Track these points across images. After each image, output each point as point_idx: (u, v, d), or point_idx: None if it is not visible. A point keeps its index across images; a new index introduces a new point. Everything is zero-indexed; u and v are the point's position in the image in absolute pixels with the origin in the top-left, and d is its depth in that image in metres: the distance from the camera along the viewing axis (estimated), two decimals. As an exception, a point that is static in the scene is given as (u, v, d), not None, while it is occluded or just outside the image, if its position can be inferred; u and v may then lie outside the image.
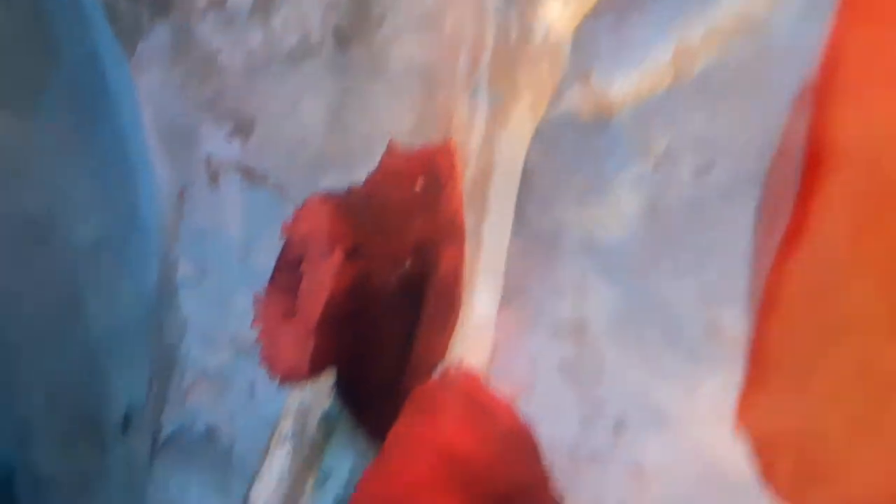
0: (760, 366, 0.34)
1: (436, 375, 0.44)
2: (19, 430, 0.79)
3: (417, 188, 0.47)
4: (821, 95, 0.30)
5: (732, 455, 0.36)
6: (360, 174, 0.47)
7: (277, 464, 0.54)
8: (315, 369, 0.46)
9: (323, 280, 0.44)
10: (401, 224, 0.46)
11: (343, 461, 0.52)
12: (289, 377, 0.45)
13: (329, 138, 0.52)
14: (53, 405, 0.75)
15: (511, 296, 0.45)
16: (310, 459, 0.53)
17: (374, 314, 0.45)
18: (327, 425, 0.52)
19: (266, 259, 0.46)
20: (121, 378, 0.70)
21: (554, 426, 0.42)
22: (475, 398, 0.43)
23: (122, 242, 0.68)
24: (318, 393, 0.52)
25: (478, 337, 0.44)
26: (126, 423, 0.70)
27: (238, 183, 0.57)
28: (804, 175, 0.30)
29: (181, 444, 0.63)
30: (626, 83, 0.41)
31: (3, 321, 0.74)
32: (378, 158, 0.47)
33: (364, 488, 0.44)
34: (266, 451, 0.54)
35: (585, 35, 0.42)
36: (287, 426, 0.54)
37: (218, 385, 0.60)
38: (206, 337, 0.60)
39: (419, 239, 0.46)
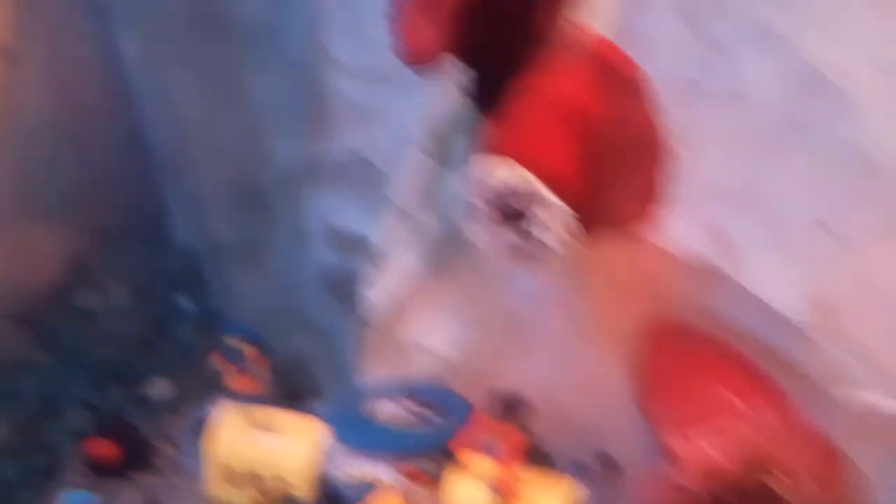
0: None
1: (559, 40, 0.48)
2: (197, 208, 0.87)
3: None
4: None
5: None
6: None
7: (411, 165, 0.59)
8: (440, 50, 0.50)
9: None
10: None
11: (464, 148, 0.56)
12: (417, 59, 0.50)
13: None
14: (219, 176, 0.82)
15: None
16: (440, 156, 0.57)
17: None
18: (455, 127, 0.57)
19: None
20: (276, 143, 0.76)
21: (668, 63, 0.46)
22: (597, 56, 0.47)
23: (279, 20, 0.73)
24: (446, 99, 0.56)
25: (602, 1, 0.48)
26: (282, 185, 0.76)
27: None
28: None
29: (330, 168, 0.69)
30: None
31: (173, 106, 0.80)
32: None
33: (488, 137, 0.49)
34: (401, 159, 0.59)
35: None
36: (420, 136, 0.59)
37: (361, 115, 0.65)
38: (349, 69, 0.64)
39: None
